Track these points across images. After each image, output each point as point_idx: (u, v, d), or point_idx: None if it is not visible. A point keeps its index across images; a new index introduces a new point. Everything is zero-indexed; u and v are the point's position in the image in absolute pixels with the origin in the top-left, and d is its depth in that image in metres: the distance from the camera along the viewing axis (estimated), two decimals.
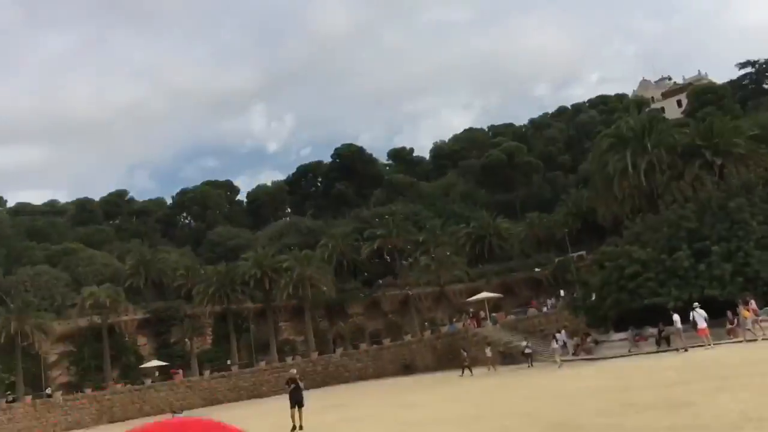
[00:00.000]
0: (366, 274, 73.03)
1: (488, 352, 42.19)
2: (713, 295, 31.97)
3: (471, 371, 39.80)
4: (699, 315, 28.27)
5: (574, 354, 37.94)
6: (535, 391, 24.33)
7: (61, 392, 50.17)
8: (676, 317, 30.32)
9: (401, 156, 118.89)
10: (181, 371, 53.67)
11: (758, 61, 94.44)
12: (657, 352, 31.12)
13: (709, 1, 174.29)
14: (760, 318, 29.32)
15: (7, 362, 51.73)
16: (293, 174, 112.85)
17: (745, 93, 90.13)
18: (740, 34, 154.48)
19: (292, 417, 22.19)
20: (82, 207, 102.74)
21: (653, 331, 33.11)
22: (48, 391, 50.14)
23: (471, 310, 54.92)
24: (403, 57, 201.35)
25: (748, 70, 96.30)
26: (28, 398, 47.33)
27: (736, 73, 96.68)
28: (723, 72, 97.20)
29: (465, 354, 41.37)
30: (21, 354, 50.17)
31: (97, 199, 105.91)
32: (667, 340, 31.82)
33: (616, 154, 48.26)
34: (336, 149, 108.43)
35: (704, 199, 37.09)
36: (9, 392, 49.24)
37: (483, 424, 17.09)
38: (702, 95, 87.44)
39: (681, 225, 35.84)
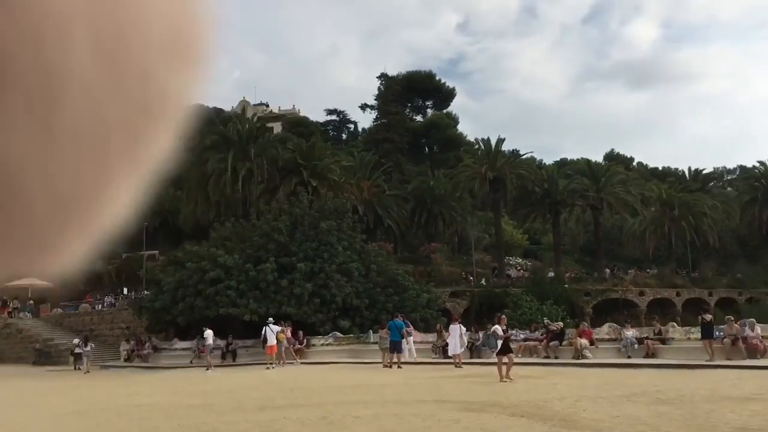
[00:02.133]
0: None
1: None
2: (290, 312, 31.70)
3: None
4: (271, 331, 27.25)
5: (127, 360, 35.05)
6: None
7: None
8: (208, 332, 28.95)
9: None
10: None
11: (343, 111, 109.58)
12: (221, 365, 29.67)
13: (313, 53, 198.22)
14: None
15: None
16: None
17: (329, 136, 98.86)
18: (331, 87, 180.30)
19: None
20: None
21: (221, 343, 31.50)
22: None
23: (4, 297, 47.44)
24: None
25: (334, 117, 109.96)
26: None
27: (323, 117, 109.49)
28: (314, 114, 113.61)
29: None
30: None
31: None
32: (234, 354, 31.02)
33: (218, 154, 47.52)
34: None
35: (298, 216, 36.23)
36: None
37: None
38: (296, 126, 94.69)
39: (271, 237, 34.84)
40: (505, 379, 16.73)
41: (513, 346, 26.17)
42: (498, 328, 18.18)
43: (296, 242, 34.86)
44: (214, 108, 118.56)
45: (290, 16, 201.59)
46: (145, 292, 42.83)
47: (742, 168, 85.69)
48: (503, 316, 19.68)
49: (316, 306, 32.93)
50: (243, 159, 47.12)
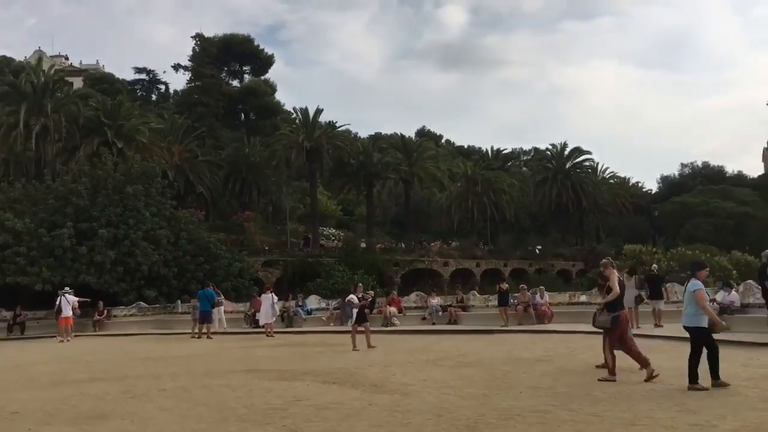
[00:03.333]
0: None
1: None
2: (89, 281, 30.04)
3: None
4: (67, 301, 25.45)
5: None
6: None
7: None
8: None
9: None
10: None
11: (153, 71, 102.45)
12: (7, 339, 27.38)
13: (122, 6, 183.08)
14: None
15: None
16: None
17: (137, 96, 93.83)
18: (142, 44, 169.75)
19: None
20: None
21: (8, 315, 29.33)
22: None
23: None
24: None
25: (143, 76, 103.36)
26: None
27: (132, 76, 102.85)
28: (121, 72, 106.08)
29: None
30: None
31: None
32: (22, 327, 28.59)
33: (7, 106, 43.77)
34: None
35: (101, 178, 33.81)
36: None
37: None
38: (100, 83, 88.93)
39: (70, 200, 32.26)
40: (357, 348, 16.45)
41: (325, 315, 26.73)
42: (353, 297, 18.06)
43: (98, 207, 32.55)
44: (3, 57, 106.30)
45: None
46: None
47: (536, 150, 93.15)
48: (359, 285, 19.53)
49: (119, 275, 31.04)
50: (37, 114, 42.78)
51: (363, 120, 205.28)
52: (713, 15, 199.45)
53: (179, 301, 29.70)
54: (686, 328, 9.53)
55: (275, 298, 24.87)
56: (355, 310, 17.67)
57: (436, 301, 25.64)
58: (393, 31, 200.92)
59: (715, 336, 9.40)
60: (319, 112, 55.24)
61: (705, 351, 9.20)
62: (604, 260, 11.63)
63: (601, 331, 10.94)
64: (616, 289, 10.46)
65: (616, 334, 10.39)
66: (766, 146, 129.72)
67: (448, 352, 15.22)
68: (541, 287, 24.62)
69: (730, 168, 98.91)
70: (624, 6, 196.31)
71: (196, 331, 23.76)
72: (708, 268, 10.02)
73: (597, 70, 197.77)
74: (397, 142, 63.15)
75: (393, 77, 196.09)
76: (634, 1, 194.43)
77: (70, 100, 46.66)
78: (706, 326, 9.23)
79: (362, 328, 17.15)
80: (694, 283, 9.44)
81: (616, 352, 10.44)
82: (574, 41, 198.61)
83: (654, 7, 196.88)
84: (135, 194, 33.33)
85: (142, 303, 30.61)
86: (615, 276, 10.72)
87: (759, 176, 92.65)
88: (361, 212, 66.88)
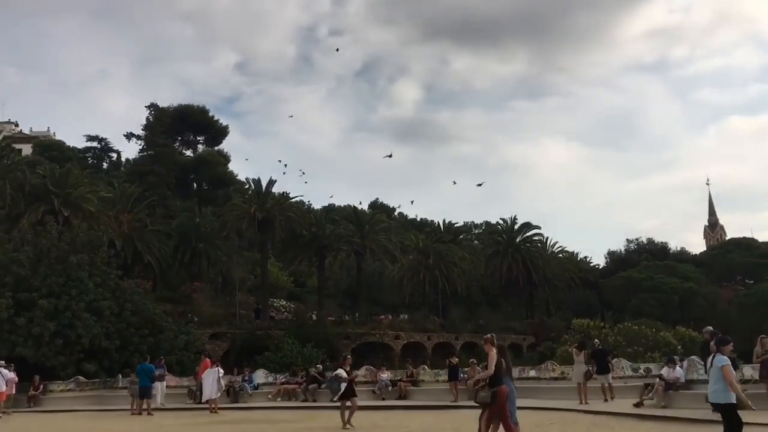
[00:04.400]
0: None
1: None
2: (25, 354, 28.53)
3: None
4: (2, 376, 23.73)
5: None
6: None
7: None
8: None
9: None
10: None
11: (105, 139, 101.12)
12: None
13: (78, 75, 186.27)
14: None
15: None
16: None
17: (87, 164, 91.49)
18: (96, 113, 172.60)
19: None
20: None
21: None
22: None
23: None
24: None
25: (95, 144, 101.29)
26: None
27: (83, 143, 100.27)
28: (73, 139, 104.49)
29: None
30: None
31: None
32: None
33: None
34: None
35: (44, 247, 32.84)
36: None
37: None
38: (49, 150, 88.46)
39: (10, 269, 31.23)
40: (347, 426, 15.89)
41: (273, 389, 26.06)
42: (341, 372, 17.55)
43: (40, 276, 31.48)
44: None
45: (52, 30, 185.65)
46: None
47: (487, 224, 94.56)
48: (348, 357, 18.99)
49: (58, 347, 29.79)
50: None
51: (317, 191, 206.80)
52: (654, 98, 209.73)
53: (120, 376, 28.61)
54: (716, 405, 9.41)
55: (221, 372, 24.20)
56: (343, 385, 17.14)
57: (385, 375, 25.28)
58: (349, 105, 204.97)
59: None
60: (272, 183, 55.48)
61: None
62: (486, 336, 11.83)
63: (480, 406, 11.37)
64: (491, 368, 11.01)
65: (495, 409, 10.89)
66: (706, 224, 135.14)
67: (396, 429, 14.95)
68: None
69: (674, 244, 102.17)
70: (570, 87, 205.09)
71: (135, 407, 22.86)
72: (732, 343, 9.94)
73: (546, 147, 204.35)
74: (350, 213, 63.54)
75: (348, 150, 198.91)
76: (580, 83, 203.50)
77: (17, 166, 45.87)
78: (735, 402, 9.09)
79: (349, 404, 16.45)
80: (721, 359, 9.23)
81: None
82: (523, 119, 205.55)
83: (598, 89, 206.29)
84: (79, 264, 32.41)
85: (80, 377, 29.39)
86: (493, 353, 11.15)
87: (701, 253, 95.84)
88: (313, 284, 66.37)
